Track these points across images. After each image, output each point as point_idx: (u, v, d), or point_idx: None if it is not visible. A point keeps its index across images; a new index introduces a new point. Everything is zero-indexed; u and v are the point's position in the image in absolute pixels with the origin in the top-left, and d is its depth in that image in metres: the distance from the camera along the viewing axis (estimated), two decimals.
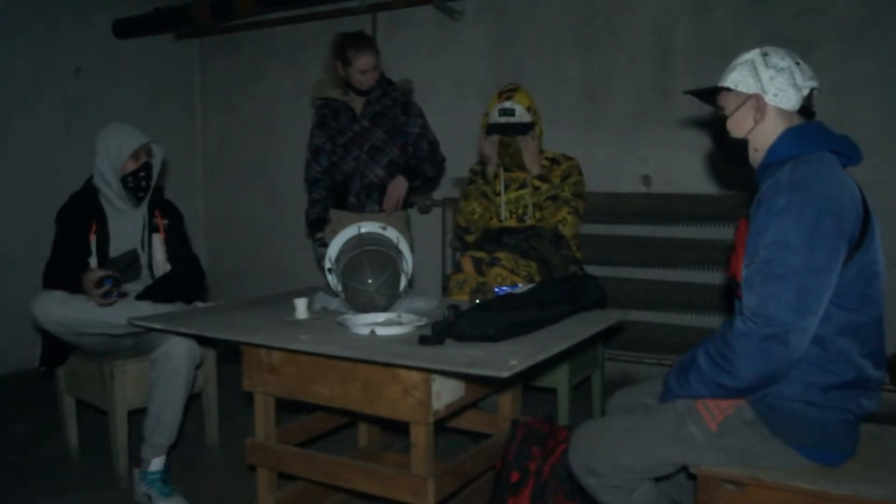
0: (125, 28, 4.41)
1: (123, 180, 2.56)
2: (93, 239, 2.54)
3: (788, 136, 1.54)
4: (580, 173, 2.82)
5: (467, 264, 2.61)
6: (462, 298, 2.50)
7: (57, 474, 2.63)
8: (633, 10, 3.59)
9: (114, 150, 2.54)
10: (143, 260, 2.63)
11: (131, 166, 2.56)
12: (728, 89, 1.60)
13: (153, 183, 2.64)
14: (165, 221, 2.69)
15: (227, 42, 4.84)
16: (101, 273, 2.38)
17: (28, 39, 4.00)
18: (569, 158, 2.83)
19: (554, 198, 2.74)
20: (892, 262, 1.60)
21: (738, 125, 1.61)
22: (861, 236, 1.45)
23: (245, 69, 4.82)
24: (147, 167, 2.60)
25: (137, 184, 2.58)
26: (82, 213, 2.57)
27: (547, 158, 2.82)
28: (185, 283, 2.68)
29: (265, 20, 4.52)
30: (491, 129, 2.74)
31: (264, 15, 4.41)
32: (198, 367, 2.56)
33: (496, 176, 2.82)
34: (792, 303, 1.39)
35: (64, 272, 2.46)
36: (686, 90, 1.79)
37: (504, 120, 2.68)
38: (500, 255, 2.60)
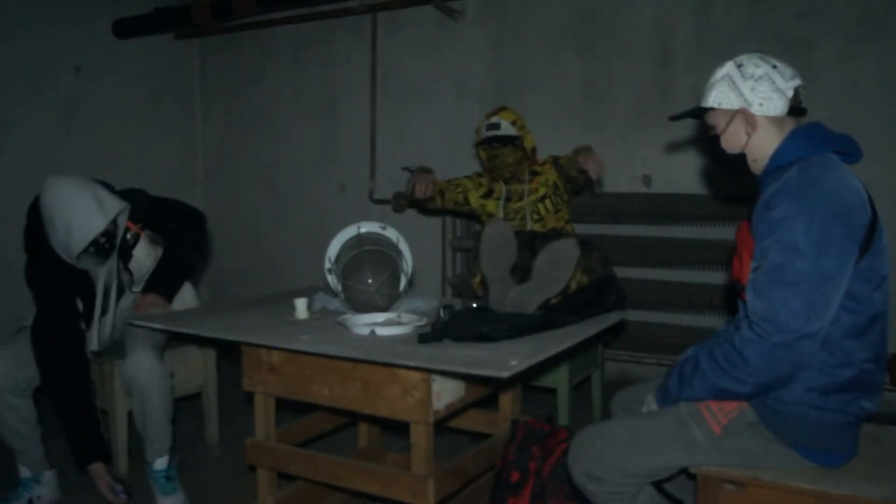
0: (125, 28, 4.41)
1: (80, 256, 2.38)
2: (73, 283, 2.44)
3: (792, 139, 1.53)
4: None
5: None
6: None
7: (57, 474, 2.62)
8: (633, 9, 3.59)
9: (63, 238, 2.34)
10: (135, 274, 2.56)
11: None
12: (713, 109, 1.59)
13: (118, 241, 2.45)
14: (139, 224, 2.52)
15: (227, 42, 4.84)
16: (114, 483, 2.35)
17: (28, 39, 3.99)
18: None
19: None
20: (893, 263, 1.59)
21: (732, 142, 1.60)
22: (869, 238, 1.43)
23: (245, 69, 4.82)
24: (106, 233, 2.39)
25: (100, 248, 2.40)
26: (59, 269, 2.42)
27: (536, 171, 2.92)
28: (183, 249, 2.56)
29: (265, 20, 4.52)
30: (480, 142, 2.90)
31: (264, 15, 4.41)
32: (172, 376, 2.49)
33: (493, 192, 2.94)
34: (801, 309, 1.37)
35: (56, 326, 2.37)
36: (671, 116, 1.77)
37: (490, 133, 2.88)
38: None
